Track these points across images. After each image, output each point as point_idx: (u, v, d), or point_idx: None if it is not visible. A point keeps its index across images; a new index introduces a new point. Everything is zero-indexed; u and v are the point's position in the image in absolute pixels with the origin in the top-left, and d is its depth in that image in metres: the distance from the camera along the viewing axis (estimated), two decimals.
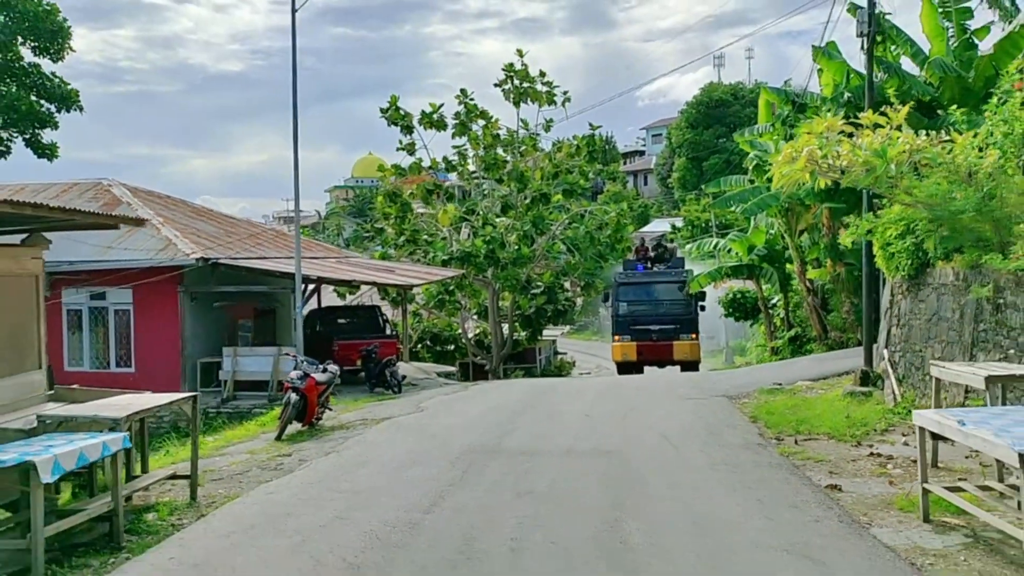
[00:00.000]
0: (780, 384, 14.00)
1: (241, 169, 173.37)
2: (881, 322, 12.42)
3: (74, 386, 9.35)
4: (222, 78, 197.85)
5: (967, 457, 7.75)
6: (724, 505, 6.79)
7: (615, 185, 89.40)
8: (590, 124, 35.19)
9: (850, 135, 10.03)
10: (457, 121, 31.47)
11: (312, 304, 22.21)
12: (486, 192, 32.81)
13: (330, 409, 12.47)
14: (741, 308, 27.09)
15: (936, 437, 5.84)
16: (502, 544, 5.90)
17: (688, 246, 34.08)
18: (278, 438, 10.92)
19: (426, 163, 31.99)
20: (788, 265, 22.94)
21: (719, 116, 72.02)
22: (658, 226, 64.22)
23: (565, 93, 32.22)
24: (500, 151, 31.54)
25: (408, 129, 31.51)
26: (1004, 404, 6.75)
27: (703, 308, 26.16)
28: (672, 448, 9.10)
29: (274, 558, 5.89)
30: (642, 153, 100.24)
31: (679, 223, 60.11)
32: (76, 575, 5.68)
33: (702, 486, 7.45)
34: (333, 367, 12.62)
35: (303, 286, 17.71)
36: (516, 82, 31.28)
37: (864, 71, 14.36)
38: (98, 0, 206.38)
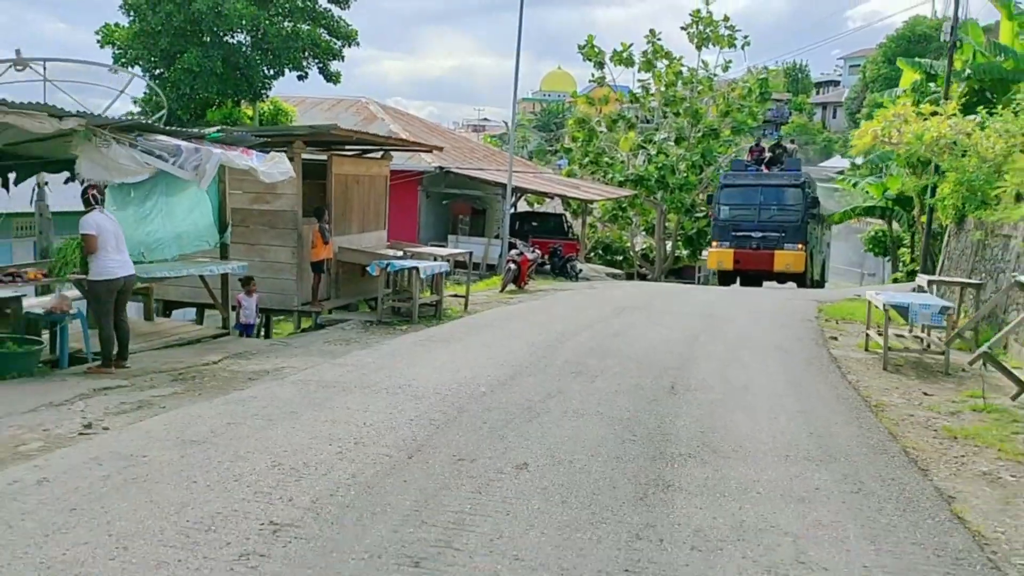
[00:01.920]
0: (859, 295, 18.38)
1: (431, 73, 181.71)
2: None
3: (390, 241, 15.74)
4: None
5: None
6: (763, 330, 11.97)
7: (801, 117, 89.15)
8: (765, 67, 37.99)
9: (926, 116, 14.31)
10: (644, 59, 35.98)
11: (512, 207, 28.25)
12: (663, 124, 37.24)
13: (533, 279, 18.45)
14: (880, 244, 30.18)
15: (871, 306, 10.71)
16: (620, 342, 11.40)
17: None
18: (501, 291, 17.01)
19: (612, 94, 36.92)
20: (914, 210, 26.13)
21: (919, 52, 70.24)
22: (839, 163, 64.99)
23: (746, 37, 35.82)
24: (680, 87, 35.76)
25: (600, 65, 36.44)
26: (940, 297, 11.36)
27: (814, 217, 24.78)
28: (750, 314, 14.21)
29: (508, 324, 11.77)
30: (837, 83, 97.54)
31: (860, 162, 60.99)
32: (422, 324, 11.83)
33: (759, 325, 12.61)
34: (538, 251, 18.54)
35: (511, 194, 23.68)
36: (700, 27, 35.14)
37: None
38: None
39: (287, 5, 25.56)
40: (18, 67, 9.49)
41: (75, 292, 8.35)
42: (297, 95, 32.00)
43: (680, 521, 4.37)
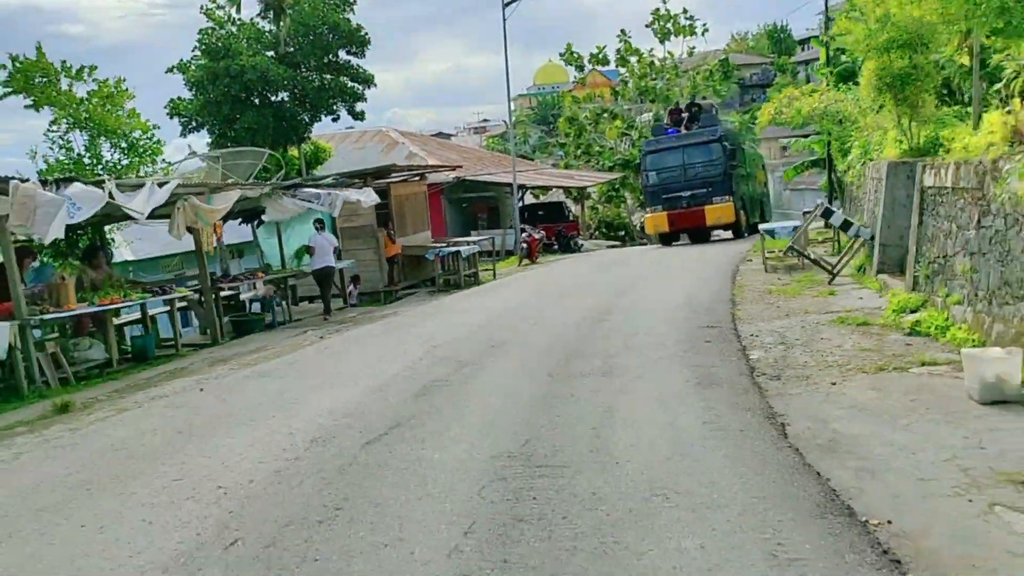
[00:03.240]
0: None
1: (426, 79, 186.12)
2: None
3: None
4: None
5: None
6: (698, 263, 17.44)
7: (785, 77, 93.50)
8: (725, 50, 43.21)
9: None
10: (618, 56, 41.39)
11: (520, 202, 33.82)
12: (641, 110, 42.55)
13: (541, 255, 24.05)
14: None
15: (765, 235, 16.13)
16: (594, 282, 16.86)
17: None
18: (518, 265, 22.57)
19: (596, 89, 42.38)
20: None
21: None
22: None
23: (704, 25, 41.14)
24: (652, 77, 41.09)
25: (580, 67, 41.91)
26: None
27: (739, 168, 25.56)
28: (689, 259, 19.64)
29: (524, 285, 17.32)
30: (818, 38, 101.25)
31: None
32: (466, 288, 17.42)
33: (696, 262, 18.06)
34: (544, 233, 24.11)
35: (517, 191, 29.28)
36: (661, 23, 40.47)
37: None
38: None
39: (315, 63, 31.37)
40: (200, 157, 15.19)
41: (270, 287, 14.04)
42: (329, 132, 37.86)
43: (601, 334, 9.91)
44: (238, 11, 31.74)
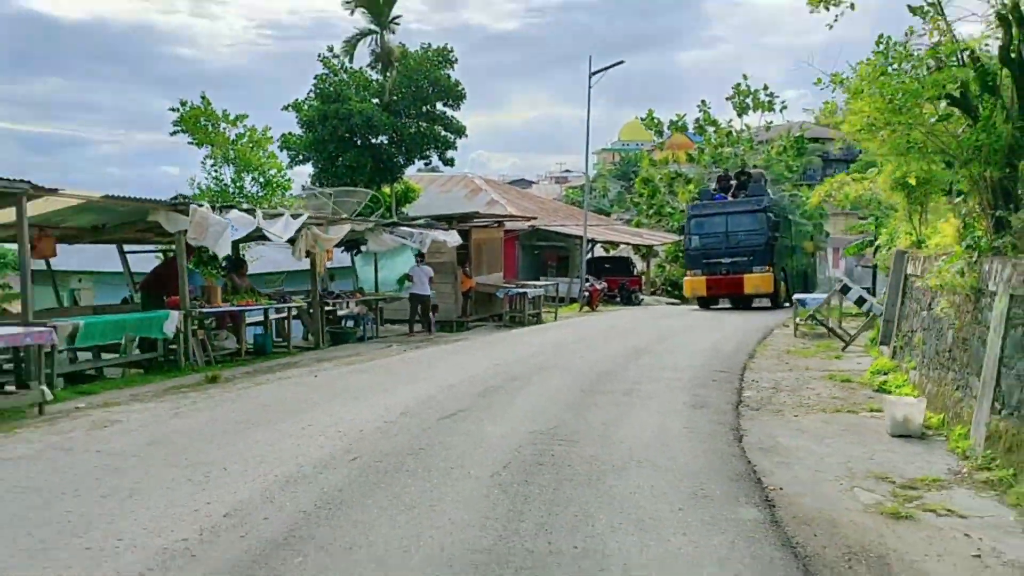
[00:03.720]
0: None
1: (513, 125, 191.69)
2: None
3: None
4: (498, 37, 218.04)
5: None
6: (734, 329, 19.33)
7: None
8: (801, 125, 45.06)
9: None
10: (696, 125, 43.66)
11: (589, 253, 36.14)
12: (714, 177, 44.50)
13: (601, 304, 26.22)
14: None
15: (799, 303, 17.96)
16: (641, 330, 18.89)
17: None
18: (579, 311, 24.78)
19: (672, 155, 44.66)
20: None
21: None
22: None
23: (783, 102, 43.15)
24: (727, 147, 43.16)
25: (659, 132, 44.31)
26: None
27: (781, 239, 25.48)
28: (727, 325, 21.48)
29: (579, 327, 19.48)
30: None
31: None
32: (529, 326, 19.70)
33: (734, 327, 19.92)
34: (606, 284, 26.32)
35: (589, 243, 31.62)
36: (740, 98, 42.61)
37: None
38: None
39: (414, 112, 34.58)
40: (314, 194, 18.08)
41: (363, 307, 16.63)
42: (418, 174, 41.11)
43: (633, 367, 12.03)
44: (351, 61, 35.39)
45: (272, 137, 15.73)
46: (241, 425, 7.89)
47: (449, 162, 36.81)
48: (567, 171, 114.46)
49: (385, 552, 4.61)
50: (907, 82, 7.62)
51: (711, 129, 43.20)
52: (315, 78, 33.64)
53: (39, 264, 12.14)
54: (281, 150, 34.61)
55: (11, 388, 8.97)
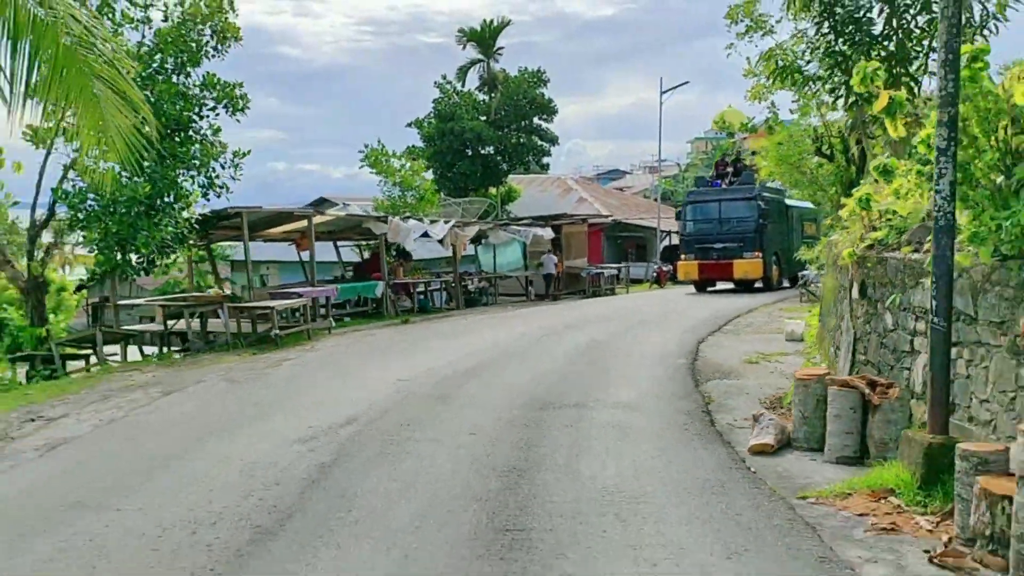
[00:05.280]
0: None
1: (609, 112, 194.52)
2: None
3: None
4: (594, 24, 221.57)
5: None
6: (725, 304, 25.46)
7: None
8: None
9: None
10: (766, 126, 49.02)
11: (665, 242, 42.42)
12: None
13: (668, 283, 32.64)
14: None
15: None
16: (685, 300, 25.19)
17: None
18: (648, 287, 31.30)
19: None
20: None
21: None
22: None
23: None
24: None
25: (731, 134, 49.87)
26: None
27: (771, 227, 25.89)
28: (709, 304, 27.49)
29: (641, 298, 25.98)
30: None
31: None
32: (601, 297, 26.41)
33: (721, 303, 26.01)
34: (671, 266, 32.72)
35: (663, 234, 37.98)
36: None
37: None
38: None
39: (515, 126, 41.58)
40: (449, 204, 25.34)
41: (485, 282, 23.69)
42: (519, 177, 48.24)
43: (663, 317, 18.65)
44: (463, 86, 42.73)
45: (423, 164, 22.97)
46: (430, 340, 15.08)
47: (544, 167, 43.80)
48: (661, 160, 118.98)
49: (515, 378, 11.58)
50: (794, 149, 14.06)
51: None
52: (433, 101, 41.07)
53: (239, 255, 19.66)
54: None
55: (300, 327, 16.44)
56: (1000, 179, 5.43)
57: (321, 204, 22.91)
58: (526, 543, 4.79)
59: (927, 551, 4.60)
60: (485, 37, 42.22)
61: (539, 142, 43.07)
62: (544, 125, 43.20)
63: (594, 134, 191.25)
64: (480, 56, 42.84)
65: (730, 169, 28.25)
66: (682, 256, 26.99)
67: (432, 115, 40.97)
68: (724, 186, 27.26)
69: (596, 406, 8.94)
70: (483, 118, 41.14)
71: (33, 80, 8.26)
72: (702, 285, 26.82)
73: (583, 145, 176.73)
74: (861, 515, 5.22)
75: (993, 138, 5.42)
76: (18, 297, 13.88)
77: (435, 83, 41.64)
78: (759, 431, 7.04)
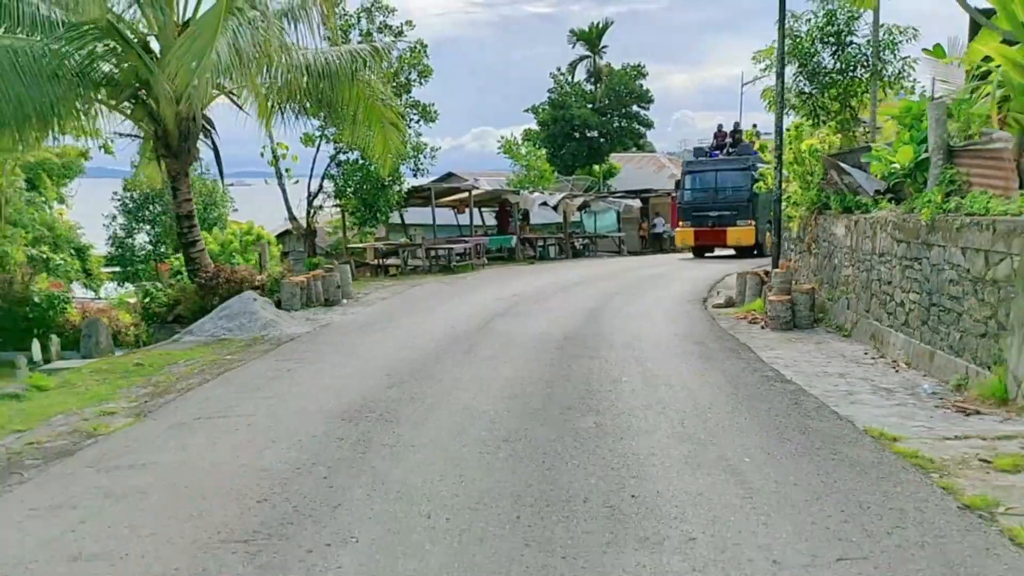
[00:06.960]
0: None
1: (716, 83, 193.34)
2: None
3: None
4: None
5: None
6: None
7: None
8: None
9: None
10: None
11: None
12: None
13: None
14: None
15: None
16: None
17: None
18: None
19: None
20: None
21: None
22: None
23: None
24: None
25: None
26: None
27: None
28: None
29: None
30: None
31: None
32: (671, 251, 33.75)
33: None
34: None
35: None
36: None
37: None
38: None
39: (616, 113, 48.95)
40: (565, 181, 33.11)
41: (588, 241, 31.46)
42: (619, 155, 55.56)
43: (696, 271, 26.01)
44: (573, 78, 50.28)
45: (543, 151, 30.74)
46: (552, 271, 23.07)
47: (641, 147, 51.05)
48: (763, 133, 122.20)
49: (605, 285, 19.45)
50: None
51: None
52: (548, 91, 48.65)
53: (395, 218, 27.91)
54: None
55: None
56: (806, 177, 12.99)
57: (448, 178, 26.77)
58: (592, 348, 12.75)
59: (745, 319, 12.32)
60: (592, 37, 49.61)
61: (637, 127, 50.33)
62: (642, 113, 50.41)
63: (701, 104, 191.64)
64: (587, 53, 50.29)
65: (729, 140, 29.16)
66: (680, 224, 28.41)
67: (546, 103, 48.74)
68: (722, 157, 28.43)
69: (649, 296, 16.72)
70: (589, 106, 48.64)
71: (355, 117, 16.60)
72: (699, 251, 28.05)
73: (690, 117, 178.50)
74: (737, 318, 12.93)
75: (798, 162, 13.00)
76: (240, 250, 22.43)
77: (550, 74, 49.33)
78: (716, 298, 14.73)
